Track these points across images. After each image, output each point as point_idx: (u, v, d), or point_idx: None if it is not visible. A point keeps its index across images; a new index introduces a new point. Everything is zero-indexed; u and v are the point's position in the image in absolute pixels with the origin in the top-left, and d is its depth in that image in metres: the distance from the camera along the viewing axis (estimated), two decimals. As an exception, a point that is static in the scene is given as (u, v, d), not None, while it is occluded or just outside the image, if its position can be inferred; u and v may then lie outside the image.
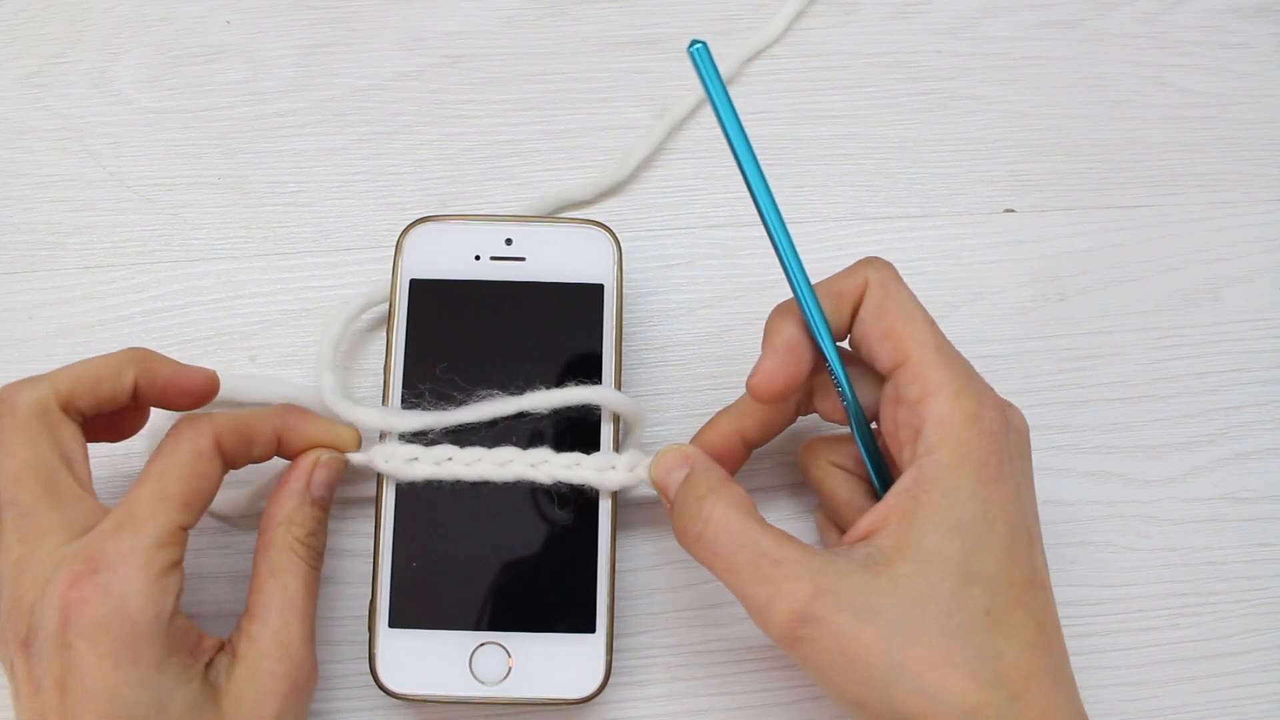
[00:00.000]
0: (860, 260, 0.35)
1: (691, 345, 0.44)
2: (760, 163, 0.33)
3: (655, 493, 0.37)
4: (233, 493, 0.39)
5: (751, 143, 0.32)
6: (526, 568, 0.37)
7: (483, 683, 0.36)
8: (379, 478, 0.38)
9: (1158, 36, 0.51)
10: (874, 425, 0.36)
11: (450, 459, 0.37)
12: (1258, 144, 0.49)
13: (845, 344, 0.36)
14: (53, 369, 0.34)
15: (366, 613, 0.38)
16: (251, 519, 0.40)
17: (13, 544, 0.32)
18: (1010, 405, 0.34)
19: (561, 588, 0.37)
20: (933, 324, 0.34)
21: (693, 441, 0.38)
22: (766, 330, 0.35)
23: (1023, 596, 0.31)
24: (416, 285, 0.40)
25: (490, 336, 0.39)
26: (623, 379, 0.39)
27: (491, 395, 0.38)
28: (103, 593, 0.30)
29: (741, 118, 0.32)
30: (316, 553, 0.36)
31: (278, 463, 0.37)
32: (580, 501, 0.38)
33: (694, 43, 0.30)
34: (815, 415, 0.38)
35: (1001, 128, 0.49)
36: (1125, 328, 0.45)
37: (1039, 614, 0.32)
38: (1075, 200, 0.48)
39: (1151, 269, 0.47)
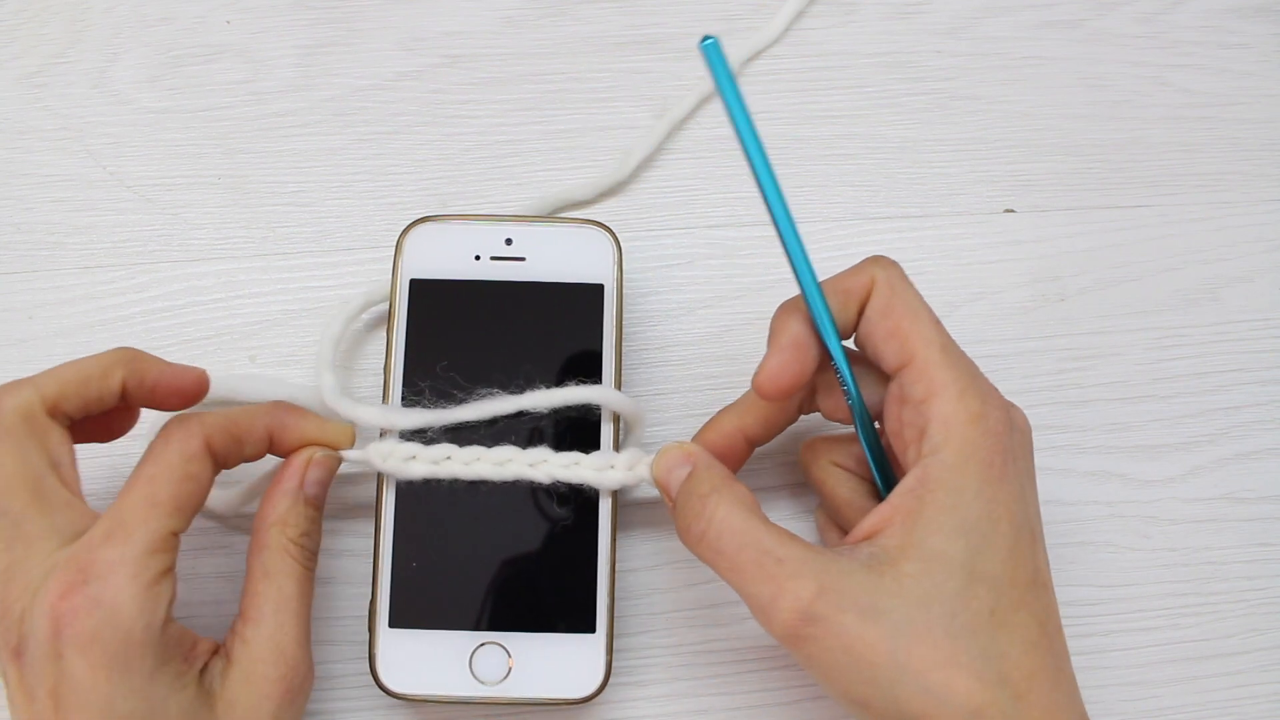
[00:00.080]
0: (867, 258, 0.35)
1: (691, 345, 0.44)
2: (770, 160, 0.33)
3: (655, 492, 0.37)
4: (225, 491, 0.39)
5: (762, 139, 0.32)
6: (527, 568, 0.37)
7: (483, 683, 0.36)
8: (379, 478, 0.38)
9: (1158, 36, 0.51)
10: (877, 425, 0.36)
11: (449, 458, 0.37)
12: (1258, 144, 0.49)
13: (850, 343, 0.36)
14: (40, 371, 0.34)
15: (366, 613, 0.37)
16: (244, 518, 0.40)
17: (1, 552, 0.31)
18: (1013, 406, 0.34)
19: (561, 588, 0.37)
20: (938, 323, 0.34)
21: (694, 439, 0.38)
22: (773, 327, 0.35)
23: (1026, 596, 0.31)
24: (416, 285, 0.40)
25: (490, 336, 0.39)
26: (623, 379, 0.39)
27: (492, 394, 0.38)
28: (93, 604, 0.30)
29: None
30: (310, 553, 0.36)
31: (271, 459, 0.37)
32: (580, 501, 0.38)
33: (706, 38, 0.30)
34: (817, 415, 0.38)
35: (1001, 128, 0.49)
36: (1125, 328, 0.45)
37: (1041, 614, 0.32)
38: (1075, 200, 0.48)
39: (1151, 269, 0.47)
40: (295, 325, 0.44)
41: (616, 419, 0.39)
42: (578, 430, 0.38)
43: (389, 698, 0.36)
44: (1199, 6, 0.51)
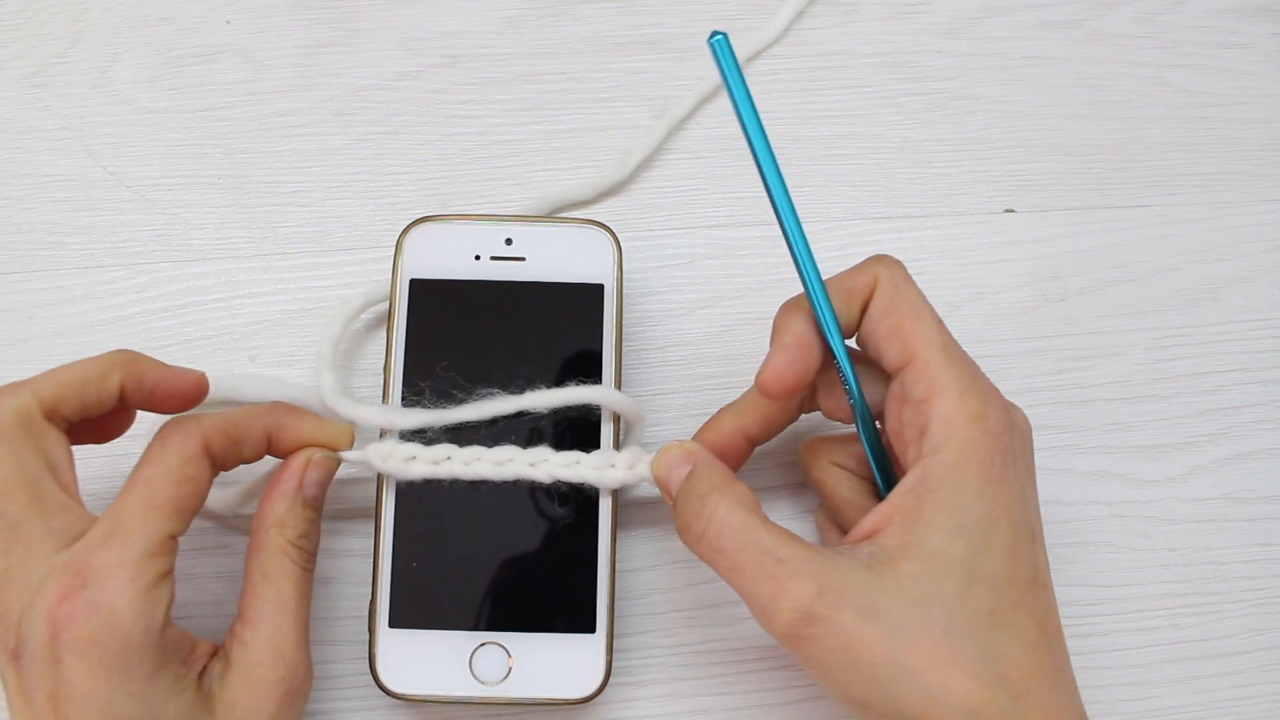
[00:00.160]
0: (870, 257, 0.35)
1: (691, 345, 0.44)
2: (777, 158, 0.33)
3: (656, 492, 0.37)
4: (223, 492, 0.39)
5: (769, 137, 0.32)
6: (527, 567, 0.37)
7: (483, 683, 0.36)
8: (379, 478, 0.38)
9: (1158, 36, 0.51)
10: (878, 424, 0.36)
11: (449, 458, 0.37)
12: (1258, 144, 0.49)
13: (851, 342, 0.36)
14: (37, 374, 0.33)
15: (366, 613, 0.37)
16: (243, 518, 0.40)
17: None
18: (1014, 406, 0.34)
19: (561, 588, 0.37)
20: (940, 323, 0.34)
21: (695, 438, 0.38)
22: (776, 326, 0.35)
23: (1025, 597, 0.31)
24: (416, 285, 0.40)
25: (490, 336, 0.39)
26: (623, 379, 0.39)
27: (492, 394, 0.38)
28: (92, 608, 0.30)
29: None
30: (309, 554, 0.36)
31: (270, 460, 0.37)
32: (580, 501, 0.38)
33: (715, 33, 0.30)
34: (817, 414, 0.38)
35: (1001, 128, 0.49)
36: (1125, 328, 0.45)
37: (1041, 614, 0.32)
38: (1075, 200, 0.48)
39: (1151, 269, 0.47)
40: (295, 325, 0.44)
41: (616, 419, 0.39)
42: (578, 430, 0.38)
43: (389, 698, 0.36)
44: (1199, 6, 0.51)
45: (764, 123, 0.32)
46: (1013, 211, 0.47)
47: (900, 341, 0.33)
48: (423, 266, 0.40)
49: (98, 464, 0.40)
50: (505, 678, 0.36)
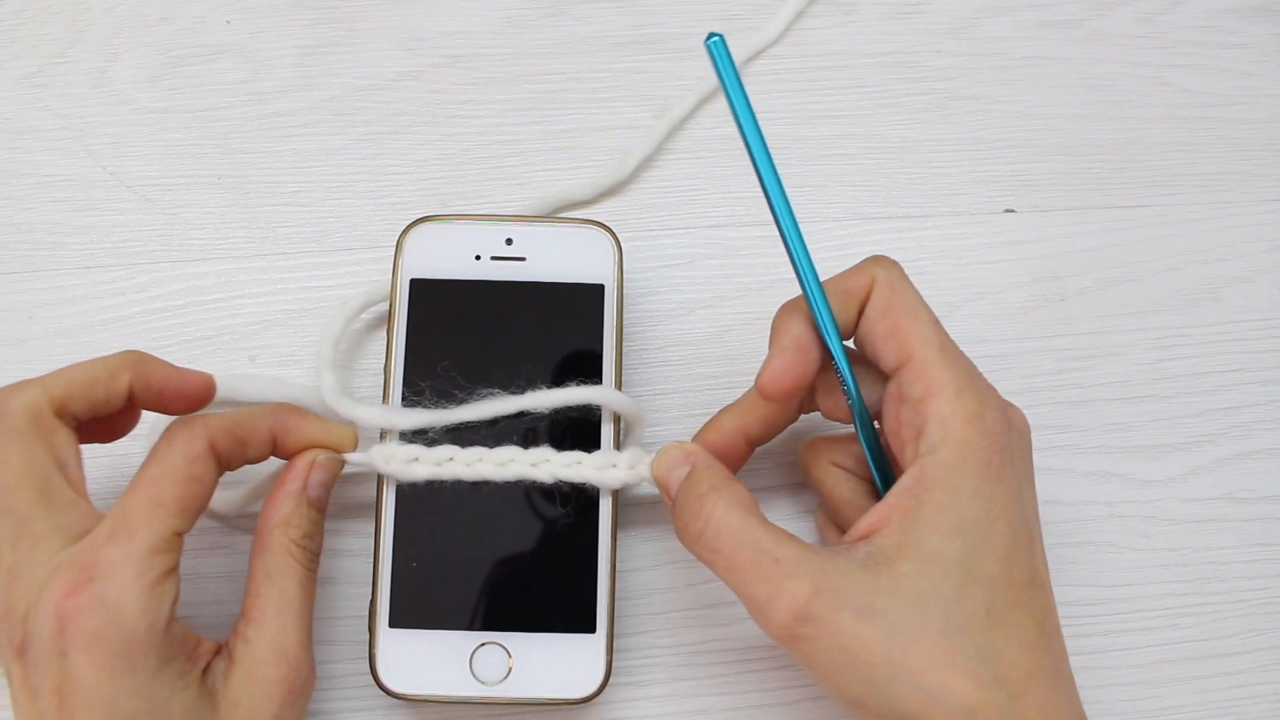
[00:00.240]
0: (867, 258, 0.35)
1: (691, 345, 0.44)
2: (774, 159, 0.33)
3: (656, 492, 0.37)
4: (228, 492, 0.39)
5: (766, 139, 0.32)
6: (526, 568, 0.37)
7: (483, 683, 0.36)
8: (379, 478, 0.38)
9: (1158, 36, 0.51)
10: (876, 424, 0.36)
11: (451, 459, 0.37)
12: (1258, 144, 0.49)
13: (849, 342, 0.36)
14: (48, 371, 0.34)
15: (366, 613, 0.38)
16: (247, 518, 0.40)
17: (6, 551, 0.31)
18: (1012, 406, 0.34)
19: (562, 588, 0.37)
20: (938, 323, 0.34)
21: (695, 439, 0.38)
22: (774, 328, 0.35)
23: (1023, 596, 0.31)
24: (417, 285, 0.40)
25: (490, 336, 0.39)
26: (623, 379, 0.39)
27: (492, 394, 0.38)
28: (98, 602, 0.30)
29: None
30: (313, 555, 0.36)
31: (274, 461, 0.37)
32: (580, 501, 0.38)
33: (711, 35, 0.31)
34: (817, 414, 0.38)
35: (1001, 128, 0.49)
36: (1125, 328, 0.45)
37: (1039, 614, 0.32)
38: (1075, 200, 0.48)
39: (1151, 269, 0.47)
40: (295, 325, 0.44)
41: (617, 419, 0.39)
42: (578, 430, 0.38)
43: (389, 698, 0.36)
44: (1199, 6, 0.51)
45: (764, 123, 0.32)
46: (1013, 211, 0.47)
47: (897, 342, 0.33)
48: (423, 266, 0.40)
49: (98, 464, 0.40)
50: (505, 678, 0.36)
